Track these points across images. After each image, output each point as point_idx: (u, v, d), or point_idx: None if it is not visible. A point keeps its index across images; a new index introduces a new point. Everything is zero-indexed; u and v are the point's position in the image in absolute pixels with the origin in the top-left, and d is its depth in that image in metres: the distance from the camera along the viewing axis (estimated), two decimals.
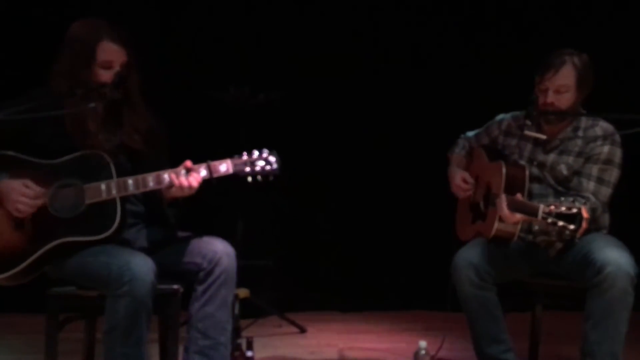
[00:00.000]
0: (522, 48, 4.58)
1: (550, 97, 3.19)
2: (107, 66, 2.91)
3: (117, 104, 2.97)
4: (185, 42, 4.69)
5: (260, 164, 2.87)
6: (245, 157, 2.88)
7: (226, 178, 2.90)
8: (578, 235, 2.87)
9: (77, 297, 2.98)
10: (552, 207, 2.88)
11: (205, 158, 2.98)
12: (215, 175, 2.87)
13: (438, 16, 4.89)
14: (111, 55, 2.91)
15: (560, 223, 2.87)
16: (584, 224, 2.84)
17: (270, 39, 4.78)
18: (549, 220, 2.89)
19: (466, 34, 4.86)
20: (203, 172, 2.87)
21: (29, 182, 2.87)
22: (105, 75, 2.91)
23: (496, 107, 3.58)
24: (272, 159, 2.89)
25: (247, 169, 2.87)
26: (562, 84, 3.18)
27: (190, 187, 2.85)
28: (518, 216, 3.00)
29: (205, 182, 2.89)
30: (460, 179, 3.47)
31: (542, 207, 2.91)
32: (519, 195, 3.06)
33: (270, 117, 4.56)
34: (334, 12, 4.84)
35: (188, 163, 2.88)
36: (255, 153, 2.89)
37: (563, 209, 2.87)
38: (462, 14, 4.87)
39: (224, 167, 2.87)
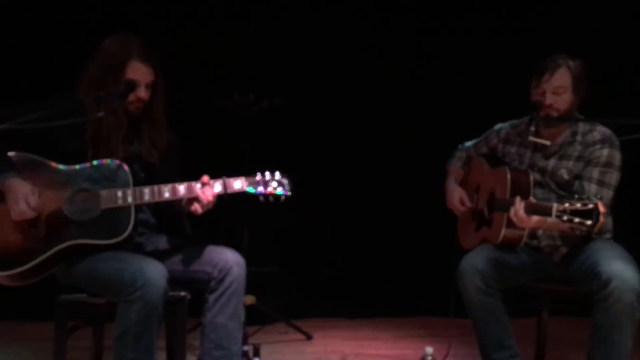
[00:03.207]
0: (520, 56, 4.59)
1: (549, 99, 3.22)
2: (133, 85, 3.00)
3: (139, 118, 3.06)
4: (189, 49, 4.71)
5: (274, 185, 2.96)
6: (259, 177, 2.97)
7: (238, 194, 2.97)
8: (595, 230, 2.87)
9: (85, 304, 2.99)
10: (567, 205, 2.89)
11: (209, 164, 3.01)
12: (229, 191, 2.96)
13: (439, 26, 4.91)
14: (139, 74, 3.00)
15: (577, 220, 2.87)
16: (602, 218, 2.84)
17: (274, 46, 4.80)
18: (564, 218, 2.89)
19: (465, 42, 4.87)
20: (217, 187, 2.96)
21: (36, 192, 2.90)
22: (131, 93, 2.99)
23: (495, 115, 3.59)
24: (285, 181, 2.98)
25: (260, 188, 2.96)
26: (558, 85, 3.22)
27: (207, 200, 2.93)
28: (535, 219, 3.00)
29: (218, 197, 2.97)
30: (458, 200, 3.51)
31: (555, 206, 2.91)
32: (531, 199, 3.06)
33: (274, 123, 4.58)
34: (337, 20, 4.86)
35: (205, 178, 2.96)
36: (269, 174, 2.97)
37: (578, 205, 2.87)
38: (462, 24, 4.89)
39: (239, 184, 2.96)
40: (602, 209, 2.84)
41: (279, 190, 2.95)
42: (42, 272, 2.95)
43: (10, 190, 2.90)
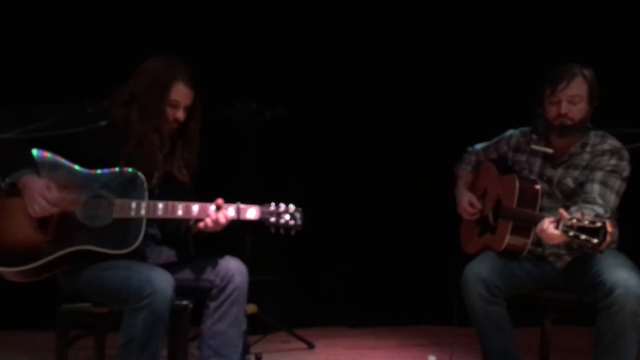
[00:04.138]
0: (530, 59, 4.61)
1: (564, 108, 3.20)
2: (175, 105, 3.05)
3: (172, 137, 3.10)
4: (192, 58, 4.71)
5: (286, 217, 2.97)
6: (273, 207, 2.98)
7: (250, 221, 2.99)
8: (602, 248, 2.83)
9: (87, 313, 2.99)
10: (574, 221, 2.86)
11: (211, 175, 3.01)
12: (242, 217, 2.97)
13: (444, 31, 4.91)
14: (181, 96, 3.05)
15: (583, 237, 2.84)
16: (609, 238, 2.81)
17: (276, 56, 4.80)
18: (571, 233, 2.86)
19: (472, 46, 4.88)
20: (231, 212, 2.97)
21: (53, 186, 2.92)
22: (170, 112, 3.04)
23: (502, 119, 3.58)
24: (298, 215, 2.99)
25: (273, 219, 2.97)
26: (575, 95, 3.21)
27: (218, 222, 2.94)
28: (558, 233, 2.91)
29: (230, 222, 2.98)
30: (467, 203, 3.49)
31: (562, 220, 2.89)
32: (562, 212, 2.95)
33: (276, 133, 4.58)
34: (339, 28, 4.87)
35: (220, 201, 2.97)
36: (283, 206, 2.98)
37: (586, 222, 2.85)
38: (468, 27, 4.89)
39: (252, 212, 2.98)
40: (609, 228, 2.81)
41: (291, 223, 2.96)
42: (46, 271, 2.95)
43: (26, 187, 2.91)
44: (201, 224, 2.97)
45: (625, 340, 2.98)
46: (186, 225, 3.08)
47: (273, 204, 2.98)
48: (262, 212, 2.96)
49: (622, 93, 4.59)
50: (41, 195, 2.89)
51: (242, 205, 2.97)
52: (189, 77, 3.07)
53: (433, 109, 4.87)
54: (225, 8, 4.80)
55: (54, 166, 2.97)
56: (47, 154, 2.98)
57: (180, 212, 2.96)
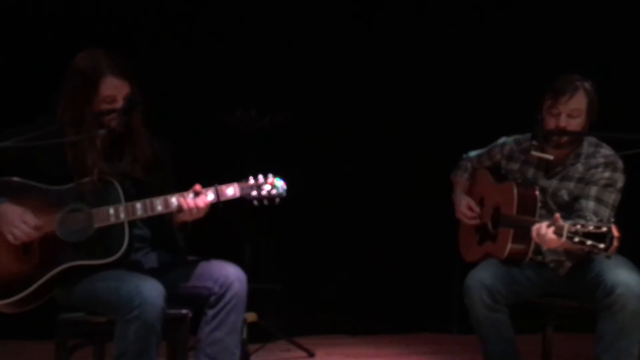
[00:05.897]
0: (525, 67, 4.61)
1: (563, 122, 3.19)
2: (110, 100, 2.94)
3: (119, 135, 2.99)
4: (192, 65, 4.71)
5: (267, 188, 2.92)
6: (252, 181, 2.92)
7: (232, 202, 2.94)
8: (609, 253, 2.80)
9: (86, 322, 2.96)
10: (579, 227, 2.84)
11: (211, 181, 3.00)
12: (222, 198, 2.92)
13: (443, 36, 4.92)
14: (114, 90, 2.93)
15: (589, 242, 2.81)
16: (615, 242, 2.78)
17: (276, 62, 4.80)
18: (576, 239, 2.83)
19: (471, 53, 4.88)
20: (211, 196, 2.91)
21: (29, 212, 2.87)
22: (109, 108, 2.93)
23: (498, 126, 3.58)
24: (279, 183, 2.93)
25: (254, 192, 2.91)
26: (575, 108, 3.20)
27: (197, 208, 2.89)
28: (563, 239, 2.88)
29: (212, 206, 2.93)
30: (465, 207, 3.47)
31: (567, 227, 2.87)
32: (557, 216, 2.94)
33: (276, 139, 4.57)
34: (339, 34, 4.87)
35: (197, 187, 2.91)
36: (261, 177, 2.93)
37: (591, 228, 2.82)
38: (468, 32, 4.90)
39: (231, 190, 2.92)
40: (616, 233, 2.78)
41: (273, 193, 2.91)
42: (40, 297, 2.91)
43: (2, 216, 2.86)
44: (182, 214, 2.91)
45: (627, 339, 2.98)
46: (169, 218, 3.01)
47: (251, 177, 2.93)
48: (242, 188, 2.90)
49: (620, 99, 4.59)
50: (21, 219, 2.84)
51: (220, 186, 2.91)
52: (117, 67, 2.93)
53: (431, 116, 4.87)
54: (224, 15, 4.80)
55: (20, 189, 2.91)
56: (10, 179, 2.91)
57: (159, 207, 2.90)
